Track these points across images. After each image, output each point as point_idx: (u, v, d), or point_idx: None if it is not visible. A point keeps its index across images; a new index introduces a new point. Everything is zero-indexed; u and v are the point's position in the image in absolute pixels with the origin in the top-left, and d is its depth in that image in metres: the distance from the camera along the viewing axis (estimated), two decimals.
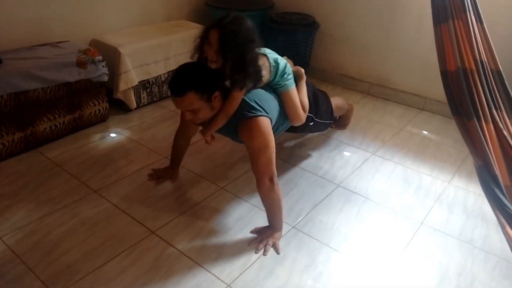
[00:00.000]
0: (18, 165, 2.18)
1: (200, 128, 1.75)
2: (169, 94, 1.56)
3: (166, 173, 2.14)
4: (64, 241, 1.71)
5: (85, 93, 2.44)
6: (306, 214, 1.95)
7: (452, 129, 2.72)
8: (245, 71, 1.55)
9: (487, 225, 1.93)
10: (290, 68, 1.90)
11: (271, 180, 1.64)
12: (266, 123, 1.64)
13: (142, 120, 2.72)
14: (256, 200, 1.99)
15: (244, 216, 1.92)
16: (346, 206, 2.02)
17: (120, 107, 2.81)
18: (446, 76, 1.65)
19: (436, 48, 1.72)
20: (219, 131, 1.76)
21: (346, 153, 2.46)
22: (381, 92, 3.21)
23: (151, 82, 2.86)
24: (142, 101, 2.86)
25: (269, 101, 1.76)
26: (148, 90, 2.86)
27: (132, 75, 2.67)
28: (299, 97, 1.94)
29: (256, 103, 1.66)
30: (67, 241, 1.71)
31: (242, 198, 2.03)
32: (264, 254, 1.70)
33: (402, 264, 1.70)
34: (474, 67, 1.59)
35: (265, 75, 1.73)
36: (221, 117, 1.65)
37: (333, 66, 3.41)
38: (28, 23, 2.44)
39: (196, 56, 1.61)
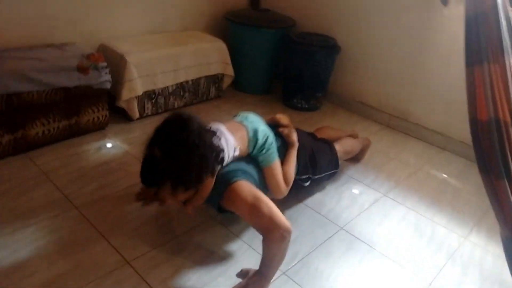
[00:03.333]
0: (3, 169, 2.05)
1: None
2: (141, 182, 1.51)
3: (153, 195, 1.97)
4: (30, 263, 1.56)
5: (84, 99, 2.31)
6: (302, 259, 1.74)
7: (475, 174, 2.46)
8: (198, 173, 1.43)
9: None
10: (271, 141, 1.75)
11: (285, 233, 1.45)
12: (246, 185, 1.54)
13: (143, 132, 2.58)
14: (249, 237, 1.81)
15: (232, 255, 1.73)
16: (348, 253, 1.81)
17: (122, 116, 2.68)
18: (476, 125, 1.44)
19: (466, 92, 1.52)
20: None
21: (355, 191, 2.25)
22: (401, 125, 3.00)
23: (157, 93, 2.73)
24: (146, 111, 2.72)
25: (248, 169, 1.66)
26: (153, 100, 2.73)
27: (137, 84, 2.54)
28: (284, 169, 1.81)
29: (233, 171, 1.58)
30: (33, 263, 1.56)
31: (232, 232, 1.85)
32: None
33: None
34: (509, 120, 1.38)
35: (240, 145, 1.64)
36: (198, 199, 1.57)
37: (352, 92, 3.22)
38: (35, 21, 2.35)
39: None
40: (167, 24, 3.05)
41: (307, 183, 2.00)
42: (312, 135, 2.21)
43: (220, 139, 1.54)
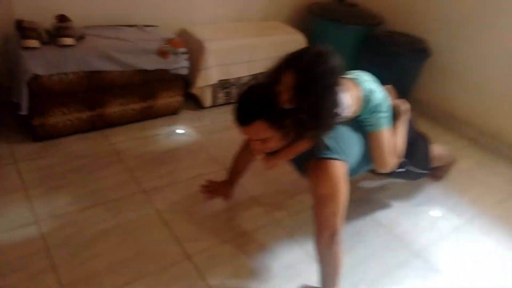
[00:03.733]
0: (79, 144, 2.11)
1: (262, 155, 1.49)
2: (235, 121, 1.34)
3: (221, 188, 1.91)
4: (96, 243, 1.57)
5: (161, 83, 2.31)
6: (367, 286, 1.59)
7: None
8: (319, 123, 1.27)
9: None
10: (387, 104, 1.57)
11: (332, 237, 1.34)
12: (339, 169, 1.35)
13: (213, 121, 2.54)
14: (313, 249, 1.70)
15: (294, 265, 1.63)
16: (421, 287, 1.63)
17: (194, 102, 2.66)
18: None
19: None
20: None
21: (434, 214, 2.04)
22: (492, 144, 2.68)
23: (231, 83, 2.67)
24: (218, 100, 2.68)
25: (350, 142, 1.47)
26: (226, 90, 2.68)
27: (212, 72, 2.50)
28: (393, 140, 1.60)
29: (335, 142, 1.38)
30: (98, 244, 1.57)
31: (297, 240, 1.74)
32: None
33: None
34: None
35: (353, 106, 1.43)
36: (288, 153, 1.40)
37: (438, 101, 2.94)
38: (121, 2, 2.38)
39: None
40: (248, 12, 2.98)
41: (401, 169, 1.79)
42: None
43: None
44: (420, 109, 3.02)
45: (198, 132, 2.41)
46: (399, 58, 2.73)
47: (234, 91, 2.72)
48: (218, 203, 1.88)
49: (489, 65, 2.59)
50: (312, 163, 1.37)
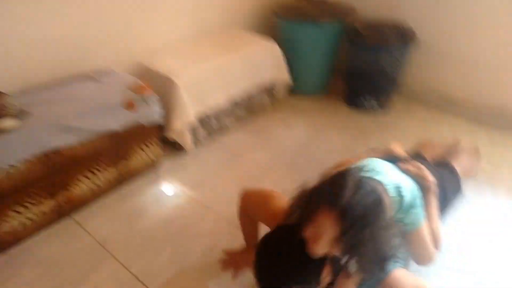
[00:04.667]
0: (50, 245, 1.64)
1: None
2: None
3: (244, 258, 1.56)
4: None
5: (133, 139, 1.88)
6: None
7: None
8: (370, 270, 1.07)
9: None
10: (417, 193, 1.29)
11: None
12: (402, 275, 1.16)
13: (200, 166, 2.14)
14: None
15: None
16: None
17: (173, 147, 2.23)
18: None
19: None
20: None
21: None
22: (498, 122, 2.50)
23: (209, 115, 2.27)
24: (200, 139, 2.28)
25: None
26: (206, 124, 2.28)
27: (188, 109, 2.09)
28: (430, 226, 1.35)
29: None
30: None
31: None
32: None
33: None
34: None
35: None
36: None
37: (432, 85, 2.71)
38: (59, 45, 1.88)
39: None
40: (205, 24, 2.56)
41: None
42: (422, 156, 1.76)
43: None
44: (412, 96, 2.79)
45: (188, 185, 2.00)
46: (386, 48, 2.47)
47: (214, 123, 2.32)
48: (248, 280, 1.51)
49: (482, 38, 2.40)
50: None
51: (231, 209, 1.74)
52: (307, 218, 1.03)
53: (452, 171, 1.70)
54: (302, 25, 2.58)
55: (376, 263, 1.05)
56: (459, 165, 1.78)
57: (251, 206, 1.42)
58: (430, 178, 1.41)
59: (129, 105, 1.75)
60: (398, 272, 1.11)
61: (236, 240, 1.60)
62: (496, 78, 2.44)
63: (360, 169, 1.22)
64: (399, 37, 2.51)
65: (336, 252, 1.02)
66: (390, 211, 1.04)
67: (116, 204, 1.86)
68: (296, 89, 2.81)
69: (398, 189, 1.22)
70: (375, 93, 2.66)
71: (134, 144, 1.89)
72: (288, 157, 2.24)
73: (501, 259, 1.62)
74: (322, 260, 1.05)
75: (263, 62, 2.46)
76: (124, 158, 1.88)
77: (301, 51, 2.68)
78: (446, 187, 1.57)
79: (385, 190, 1.18)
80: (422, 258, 1.34)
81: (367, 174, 1.23)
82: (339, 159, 1.64)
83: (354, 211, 0.96)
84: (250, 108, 2.54)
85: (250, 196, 1.43)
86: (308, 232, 1.02)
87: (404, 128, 2.50)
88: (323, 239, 0.99)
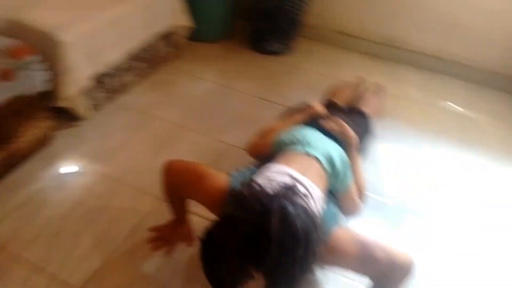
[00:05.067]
0: None
1: None
2: None
3: (177, 232, 1.45)
4: None
5: (18, 115, 1.54)
6: None
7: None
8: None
9: None
10: (345, 157, 1.30)
11: (411, 265, 1.11)
12: (342, 233, 1.12)
13: (104, 134, 1.89)
14: None
15: None
16: None
17: (68, 117, 1.91)
18: None
19: None
20: None
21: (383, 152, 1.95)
22: (391, 53, 2.65)
23: (105, 74, 1.98)
24: (97, 102, 1.99)
25: (330, 208, 1.22)
26: (102, 85, 1.99)
27: (80, 71, 1.78)
28: (355, 180, 1.39)
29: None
30: None
31: None
32: None
33: None
34: None
35: (320, 187, 1.15)
36: None
37: (331, 23, 2.73)
38: None
39: None
40: None
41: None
42: (336, 105, 1.79)
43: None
44: (314, 36, 2.79)
45: (92, 158, 1.76)
46: None
47: (112, 82, 2.04)
48: (185, 256, 1.42)
49: None
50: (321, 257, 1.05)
51: (150, 178, 1.62)
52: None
53: (363, 115, 1.76)
54: None
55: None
56: (368, 106, 1.84)
57: (181, 184, 1.27)
58: (351, 133, 1.44)
59: (5, 74, 1.40)
60: (338, 232, 1.12)
61: (163, 215, 1.47)
62: (387, 10, 2.54)
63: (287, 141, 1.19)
64: None
65: None
66: (319, 232, 1.00)
67: (9, 195, 1.56)
68: (198, 35, 2.59)
69: (331, 161, 1.22)
70: (279, 35, 2.59)
71: (19, 120, 1.56)
72: (200, 110, 2.10)
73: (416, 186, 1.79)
74: None
75: (159, 8, 2.18)
76: (8, 138, 1.55)
77: None
78: (360, 131, 1.61)
79: (318, 162, 1.19)
80: (349, 211, 1.38)
81: (301, 149, 1.22)
82: (263, 127, 1.57)
83: (281, 265, 0.89)
84: (151, 60, 2.28)
85: (178, 172, 1.28)
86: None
87: (309, 69, 2.52)
88: None
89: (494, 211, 1.71)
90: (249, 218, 0.90)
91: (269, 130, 1.48)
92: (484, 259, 1.52)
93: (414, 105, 2.30)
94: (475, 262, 1.50)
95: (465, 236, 1.59)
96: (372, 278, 1.15)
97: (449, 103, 2.34)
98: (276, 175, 1.09)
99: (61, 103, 1.79)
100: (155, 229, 1.47)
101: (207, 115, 2.07)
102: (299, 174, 1.11)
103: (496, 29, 2.33)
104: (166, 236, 1.45)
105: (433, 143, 2.03)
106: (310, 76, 2.44)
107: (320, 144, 1.27)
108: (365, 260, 1.09)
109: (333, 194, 1.30)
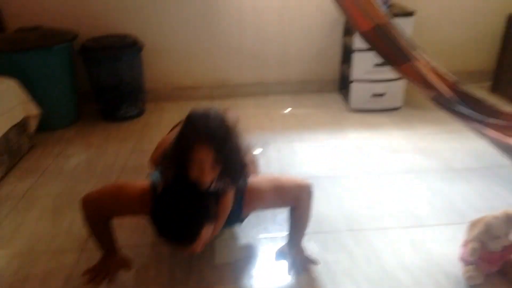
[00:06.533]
0: None
1: None
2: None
3: (110, 264, 1.50)
4: None
5: None
6: None
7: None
8: (238, 177, 1.32)
9: None
10: None
11: (310, 185, 1.44)
12: (257, 177, 1.44)
13: None
14: None
15: None
16: None
17: None
18: (366, 36, 1.80)
19: (345, 15, 1.92)
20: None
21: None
22: (226, 91, 3.21)
23: None
24: None
25: None
26: None
27: None
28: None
29: None
30: None
31: None
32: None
33: None
34: (385, 21, 1.79)
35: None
36: (219, 224, 1.32)
37: (167, 82, 3.17)
38: None
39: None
40: None
41: None
42: None
43: None
44: (157, 97, 3.16)
45: None
46: (120, 59, 2.71)
47: None
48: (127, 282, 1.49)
49: (191, 33, 3.00)
50: (244, 203, 1.37)
51: (62, 238, 1.69)
52: (187, 162, 1.18)
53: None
54: (17, 56, 2.49)
55: (240, 171, 1.31)
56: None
57: (104, 204, 1.38)
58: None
59: None
60: (252, 179, 1.40)
61: (90, 259, 1.53)
62: (212, 58, 3.12)
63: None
64: (128, 47, 2.79)
65: (217, 174, 1.22)
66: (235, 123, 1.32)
67: None
68: (46, 126, 2.65)
69: None
70: (129, 102, 2.86)
71: None
72: (80, 176, 2.19)
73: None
74: (215, 191, 1.24)
75: (7, 101, 2.23)
76: None
77: (36, 84, 2.56)
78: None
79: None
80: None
81: None
82: (159, 140, 1.80)
83: (216, 134, 1.19)
84: (12, 155, 2.26)
85: (97, 196, 1.39)
86: (194, 171, 1.18)
87: (161, 122, 2.83)
88: (207, 169, 1.17)
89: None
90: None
91: (162, 141, 1.72)
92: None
93: (259, 117, 2.83)
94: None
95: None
96: (288, 205, 1.46)
97: (285, 110, 2.96)
98: None
99: None
100: (90, 270, 1.49)
101: (90, 176, 2.16)
102: None
103: (290, 51, 3.12)
104: (103, 270, 1.49)
105: (287, 137, 2.56)
106: (163, 127, 2.62)
107: None
108: (278, 191, 1.41)
109: None
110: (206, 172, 1.18)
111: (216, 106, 1.65)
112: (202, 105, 2.77)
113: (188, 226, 1.15)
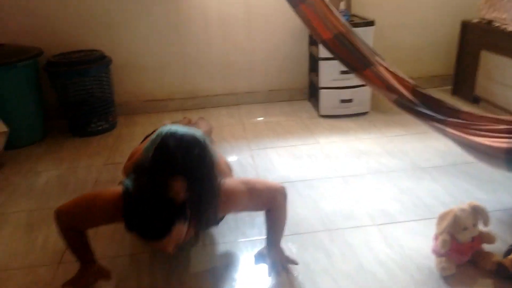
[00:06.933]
0: None
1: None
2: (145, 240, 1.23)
3: (88, 275, 1.47)
4: None
5: None
6: None
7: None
8: (212, 193, 1.35)
9: None
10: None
11: (283, 188, 1.50)
12: (229, 181, 1.45)
13: None
14: None
15: None
16: None
17: None
18: (327, 44, 1.89)
19: (306, 26, 1.97)
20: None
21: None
22: (197, 102, 3.23)
23: None
24: None
25: None
26: None
27: None
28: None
29: None
30: None
31: None
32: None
33: None
34: (344, 30, 1.88)
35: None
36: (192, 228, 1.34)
37: (138, 95, 3.16)
38: None
39: None
40: None
41: None
42: None
43: None
44: (126, 110, 3.14)
45: None
46: (87, 73, 2.70)
47: None
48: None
49: (158, 46, 3.02)
50: (219, 206, 1.38)
51: (36, 255, 1.64)
52: (161, 187, 1.21)
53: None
54: None
55: (214, 186, 1.34)
56: (201, 127, 2.28)
57: (78, 215, 1.38)
58: None
59: None
60: (226, 181, 1.43)
61: (68, 272, 1.50)
62: (181, 72, 3.14)
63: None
64: (96, 60, 2.77)
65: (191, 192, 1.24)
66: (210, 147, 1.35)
67: None
68: (13, 145, 2.59)
69: None
70: (99, 117, 2.84)
71: None
72: (51, 192, 2.15)
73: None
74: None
75: None
76: None
77: (5, 101, 2.53)
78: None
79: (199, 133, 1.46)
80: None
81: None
82: (132, 150, 1.80)
83: (191, 165, 1.23)
84: None
85: (69, 208, 1.38)
86: (168, 194, 1.21)
87: (133, 134, 2.81)
88: (181, 195, 1.22)
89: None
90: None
91: (135, 151, 1.72)
92: None
93: (232, 126, 2.87)
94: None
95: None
96: (263, 207, 1.50)
97: (257, 119, 3.01)
98: None
99: None
100: (68, 282, 1.46)
101: (62, 192, 2.12)
102: None
103: (257, 61, 3.18)
104: (81, 281, 1.46)
105: (261, 144, 2.61)
106: (135, 140, 2.62)
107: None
108: (252, 193, 1.44)
109: None
110: (180, 196, 1.22)
111: (190, 116, 1.70)
112: (174, 118, 2.95)
113: (158, 219, 1.18)
